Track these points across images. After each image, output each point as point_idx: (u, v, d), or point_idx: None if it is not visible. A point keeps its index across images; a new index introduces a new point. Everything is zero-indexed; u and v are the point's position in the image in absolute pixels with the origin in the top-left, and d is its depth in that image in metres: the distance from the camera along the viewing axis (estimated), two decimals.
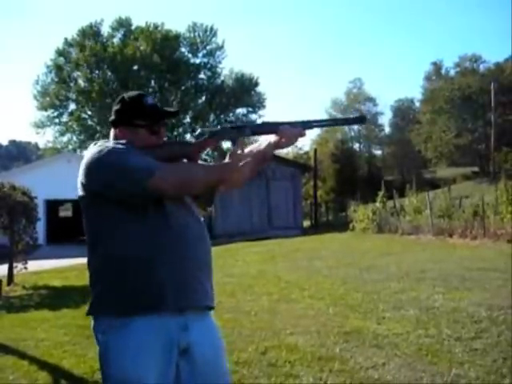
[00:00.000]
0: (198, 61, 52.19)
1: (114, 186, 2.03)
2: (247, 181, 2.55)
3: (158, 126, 2.25)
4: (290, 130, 2.33)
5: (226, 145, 2.75)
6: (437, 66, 63.61)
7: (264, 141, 2.45)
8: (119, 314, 2.04)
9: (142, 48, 48.40)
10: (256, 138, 2.62)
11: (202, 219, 2.29)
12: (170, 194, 2.07)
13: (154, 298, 2.03)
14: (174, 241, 2.09)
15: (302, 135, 2.36)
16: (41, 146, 60.68)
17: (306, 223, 32.10)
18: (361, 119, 2.54)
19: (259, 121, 53.04)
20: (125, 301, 2.04)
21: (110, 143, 2.16)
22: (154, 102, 2.29)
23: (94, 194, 2.10)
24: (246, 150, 2.45)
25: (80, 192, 2.15)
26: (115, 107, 2.27)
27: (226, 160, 2.27)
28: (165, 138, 2.33)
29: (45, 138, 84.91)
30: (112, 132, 2.28)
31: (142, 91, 2.37)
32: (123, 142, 2.17)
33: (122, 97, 2.29)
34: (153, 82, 50.67)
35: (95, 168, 2.07)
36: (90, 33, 49.26)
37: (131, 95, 2.28)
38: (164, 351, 2.03)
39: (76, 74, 49.31)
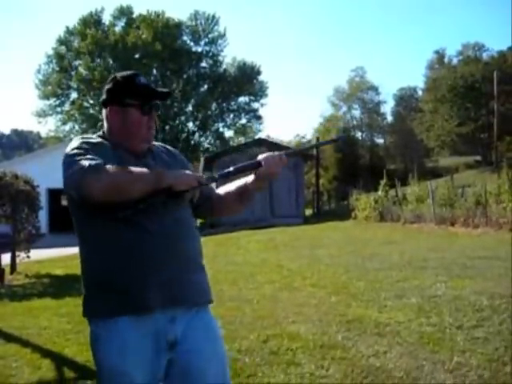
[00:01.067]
0: (199, 49, 52.11)
1: (67, 190, 2.05)
2: (239, 211, 2.48)
3: (149, 107, 2.20)
4: (272, 157, 2.22)
5: None
6: (439, 55, 63.39)
7: (242, 180, 2.36)
8: (106, 315, 2.06)
9: (143, 36, 48.30)
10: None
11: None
12: (100, 201, 1.96)
13: (138, 300, 2.02)
14: (156, 240, 2.05)
15: (283, 161, 2.23)
16: (43, 134, 60.90)
17: (308, 212, 32.11)
18: (337, 139, 2.41)
19: (261, 109, 53.22)
20: (110, 304, 2.04)
21: (76, 142, 2.13)
22: (147, 81, 2.25)
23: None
24: (227, 186, 2.40)
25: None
26: (107, 86, 2.24)
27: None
28: (157, 123, 2.30)
29: (47, 127, 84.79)
30: (104, 112, 2.25)
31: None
32: (89, 138, 2.16)
33: (114, 76, 2.26)
34: (154, 70, 50.59)
35: (62, 169, 2.07)
36: (91, 21, 49.17)
37: (123, 74, 2.24)
38: (152, 344, 2.03)
39: (77, 62, 49.27)
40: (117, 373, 2.02)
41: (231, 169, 2.19)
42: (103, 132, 2.26)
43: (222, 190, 2.41)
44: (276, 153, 2.26)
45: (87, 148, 2.07)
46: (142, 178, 1.99)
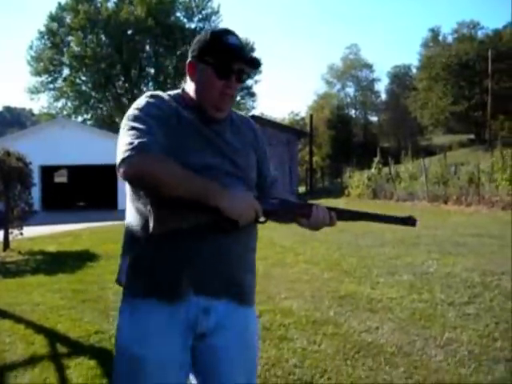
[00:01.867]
0: (193, 25, 51.65)
1: None
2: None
3: (228, 72, 1.95)
4: (323, 217, 2.03)
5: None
6: (434, 33, 63.15)
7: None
8: (134, 294, 1.98)
9: (136, 12, 47.80)
10: None
11: None
12: (129, 183, 1.89)
13: (168, 288, 1.92)
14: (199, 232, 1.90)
15: (333, 221, 2.05)
16: (35, 111, 60.42)
17: (302, 189, 32.18)
18: (410, 221, 2.18)
19: (255, 86, 52.95)
20: (139, 283, 1.96)
21: (142, 101, 1.98)
22: (239, 44, 2.00)
23: None
24: None
25: None
26: (196, 38, 2.06)
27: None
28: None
29: (39, 104, 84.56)
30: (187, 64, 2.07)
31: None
32: (157, 99, 2.00)
33: (208, 29, 2.07)
34: (147, 46, 50.22)
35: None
36: None
37: (216, 29, 2.03)
38: (180, 334, 1.94)
39: (69, 38, 48.78)
40: (134, 358, 1.93)
41: (290, 203, 2.04)
42: (183, 88, 2.09)
43: None
44: (333, 213, 2.05)
45: (150, 113, 1.93)
46: (188, 184, 1.80)
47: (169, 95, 2.05)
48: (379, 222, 2.09)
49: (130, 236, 2.02)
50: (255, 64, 2.02)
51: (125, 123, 1.92)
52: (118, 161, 1.82)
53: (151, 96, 2.01)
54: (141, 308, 1.94)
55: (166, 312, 1.91)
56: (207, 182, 1.83)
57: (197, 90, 2.00)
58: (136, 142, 1.80)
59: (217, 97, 1.96)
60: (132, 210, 2.00)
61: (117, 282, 2.05)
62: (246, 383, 2.05)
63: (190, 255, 1.91)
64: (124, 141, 1.84)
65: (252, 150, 2.12)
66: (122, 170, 1.81)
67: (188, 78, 2.05)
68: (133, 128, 1.87)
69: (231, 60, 1.95)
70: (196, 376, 2.06)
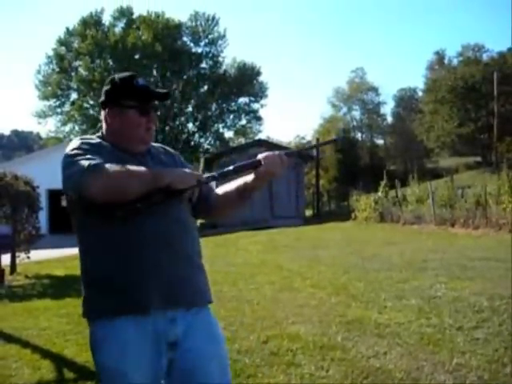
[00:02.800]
0: (199, 50, 52.08)
1: (66, 191, 2.09)
2: (237, 210, 2.48)
3: (147, 108, 2.21)
4: (272, 156, 2.21)
5: None
6: (439, 56, 63.42)
7: (241, 180, 2.32)
8: (105, 316, 2.06)
9: (143, 37, 48.30)
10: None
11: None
12: (100, 201, 1.97)
13: (137, 300, 2.03)
14: (154, 240, 2.05)
15: (283, 161, 2.22)
16: (43, 135, 60.83)
17: (308, 212, 32.13)
18: (336, 139, 2.28)
19: (261, 110, 53.27)
20: (108, 304, 2.05)
21: (76, 142, 2.15)
22: (146, 82, 2.25)
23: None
24: (226, 185, 2.35)
25: None
26: (105, 88, 2.24)
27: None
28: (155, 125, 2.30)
29: (47, 128, 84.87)
30: (102, 113, 2.25)
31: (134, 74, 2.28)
32: (88, 139, 2.18)
33: (112, 77, 2.26)
34: (154, 71, 50.58)
35: (61, 169, 2.08)
36: (91, 22, 49.14)
37: (122, 76, 2.24)
38: (151, 345, 2.03)
39: (77, 63, 49.26)
40: (117, 374, 2.02)
41: (231, 168, 2.19)
42: (102, 133, 2.26)
43: (221, 190, 2.37)
44: (276, 152, 2.24)
45: (87, 148, 2.08)
46: (140, 177, 1.99)
47: (97, 136, 2.25)
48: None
49: (88, 264, 2.17)
50: (167, 96, 2.35)
51: (66, 162, 2.06)
52: (73, 189, 2.01)
53: (81, 138, 2.21)
54: (112, 326, 2.04)
55: (136, 326, 2.02)
56: (149, 170, 2.04)
57: (119, 132, 2.21)
58: (86, 165, 1.96)
59: (143, 133, 2.21)
60: (86, 238, 2.15)
61: (83, 315, 2.17)
62: (220, 378, 2.15)
63: (152, 268, 2.04)
64: (72, 171, 1.99)
65: None
66: (84, 193, 1.96)
67: (107, 123, 2.24)
68: (77, 160, 2.02)
69: (148, 98, 2.23)
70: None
